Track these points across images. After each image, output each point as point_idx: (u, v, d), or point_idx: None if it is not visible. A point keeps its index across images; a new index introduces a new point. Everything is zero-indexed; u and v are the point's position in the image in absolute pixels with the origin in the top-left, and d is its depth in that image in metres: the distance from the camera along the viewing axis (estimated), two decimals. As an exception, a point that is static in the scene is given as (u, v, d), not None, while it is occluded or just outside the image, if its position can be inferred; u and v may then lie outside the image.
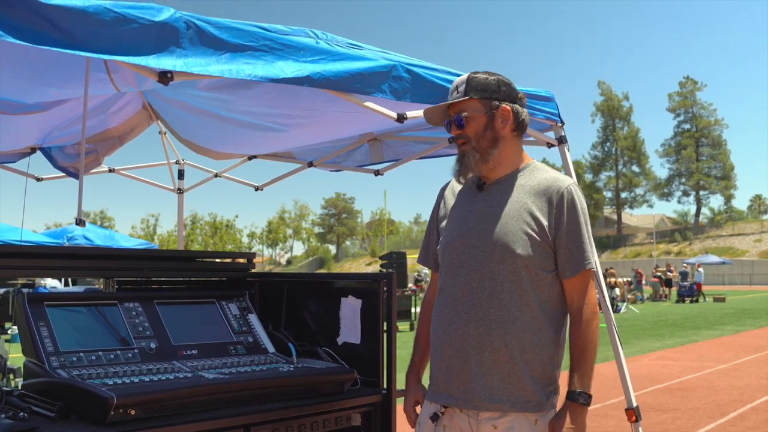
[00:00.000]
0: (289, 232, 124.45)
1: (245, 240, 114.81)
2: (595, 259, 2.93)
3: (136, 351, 3.15)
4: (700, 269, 40.21)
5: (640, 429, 3.97)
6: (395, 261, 22.54)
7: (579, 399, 2.69)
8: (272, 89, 4.05)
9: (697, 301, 36.89)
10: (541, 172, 2.88)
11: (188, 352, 3.27)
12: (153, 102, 5.03)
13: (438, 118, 2.99)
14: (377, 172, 5.57)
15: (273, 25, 3.15)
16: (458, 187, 3.02)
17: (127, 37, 2.38)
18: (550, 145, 4.18)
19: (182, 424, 2.69)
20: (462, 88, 2.85)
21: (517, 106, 2.87)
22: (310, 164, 5.70)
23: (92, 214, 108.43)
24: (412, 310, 21.61)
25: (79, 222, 3.72)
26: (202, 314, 3.53)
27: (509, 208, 2.79)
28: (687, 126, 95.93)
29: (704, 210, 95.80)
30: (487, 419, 2.74)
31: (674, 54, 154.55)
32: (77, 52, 2.27)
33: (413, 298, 22.20)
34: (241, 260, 3.96)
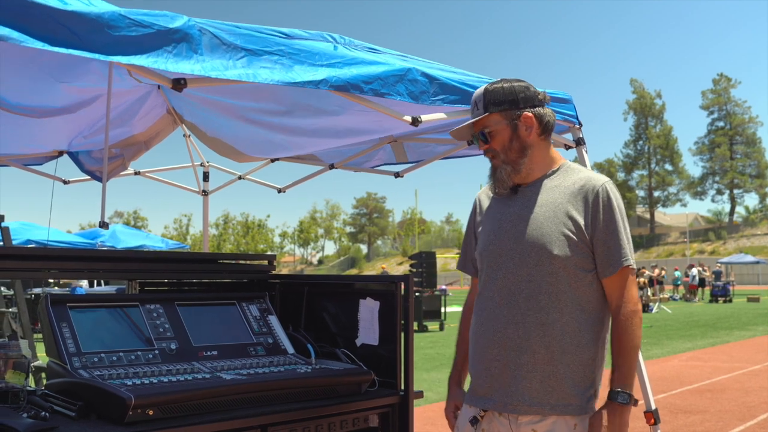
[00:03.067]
0: (321, 231, 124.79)
1: (277, 240, 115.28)
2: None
3: (156, 352, 3.20)
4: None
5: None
6: (425, 261, 22.46)
7: (618, 398, 2.67)
8: (293, 93, 4.09)
9: (730, 300, 36.48)
10: (575, 173, 2.87)
11: (208, 353, 3.32)
12: (177, 105, 5.09)
13: (465, 136, 3.00)
14: (397, 174, 5.60)
15: (292, 30, 3.19)
16: (484, 198, 3.05)
17: (145, 42, 2.42)
18: (568, 147, 4.18)
19: (200, 424, 2.73)
20: (481, 104, 2.83)
21: (539, 109, 2.84)
22: (332, 166, 5.75)
23: (126, 215, 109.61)
24: (442, 310, 21.60)
25: (103, 225, 3.78)
26: (222, 315, 3.57)
27: (545, 209, 2.79)
28: (721, 124, 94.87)
29: (739, 209, 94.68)
30: (526, 423, 2.73)
31: (707, 51, 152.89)
32: (96, 56, 2.31)
33: (443, 298, 22.15)
34: (262, 262, 4.00)
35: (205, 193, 6.51)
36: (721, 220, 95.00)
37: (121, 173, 5.89)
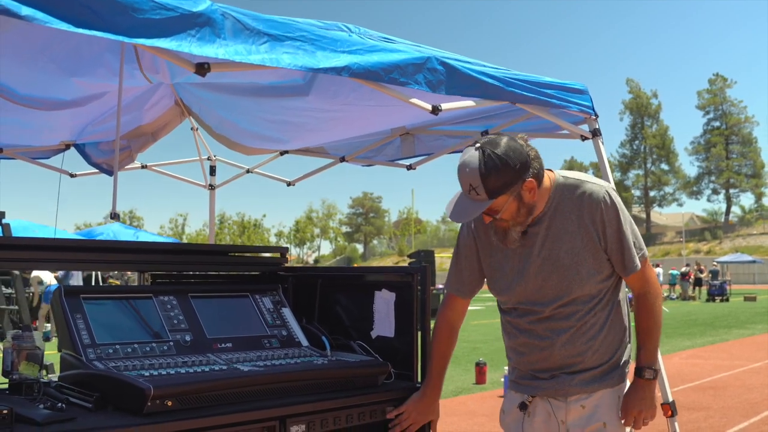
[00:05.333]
0: (317, 231, 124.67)
1: (273, 239, 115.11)
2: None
3: (171, 344, 3.16)
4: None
5: (675, 424, 3.93)
6: (423, 259, 22.51)
7: (645, 374, 2.90)
8: (306, 85, 4.05)
9: (727, 300, 36.49)
10: (571, 189, 2.87)
11: (223, 345, 3.28)
12: (185, 98, 5.05)
13: (468, 218, 2.87)
14: (410, 167, 5.55)
15: (305, 20, 3.16)
16: (482, 231, 3.06)
17: (168, 25, 2.37)
18: (584, 138, 4.15)
19: (218, 415, 2.69)
20: (481, 190, 2.68)
21: (533, 165, 2.75)
22: (342, 159, 5.71)
23: (122, 214, 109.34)
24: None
25: (114, 216, 3.74)
26: (236, 308, 3.54)
27: (559, 244, 2.86)
28: (717, 123, 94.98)
29: (734, 208, 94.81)
30: (575, 401, 2.94)
31: (703, 51, 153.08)
32: (120, 38, 2.27)
33: (442, 296, 22.09)
34: (275, 255, 3.96)
35: (212, 187, 6.46)
36: (716, 219, 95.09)
37: (128, 166, 5.85)
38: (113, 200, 3.74)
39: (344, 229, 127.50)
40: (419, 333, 3.37)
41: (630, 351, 3.06)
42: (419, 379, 3.35)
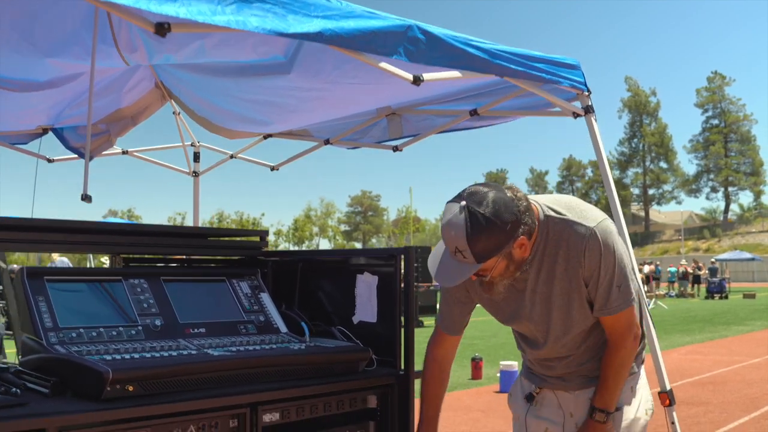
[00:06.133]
0: (315, 230, 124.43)
1: (272, 238, 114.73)
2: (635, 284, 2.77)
3: (140, 328, 3.00)
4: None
5: (674, 414, 3.77)
6: (420, 256, 22.28)
7: (595, 416, 2.74)
8: (287, 63, 3.89)
9: (726, 297, 36.37)
10: (558, 229, 2.61)
11: (195, 331, 3.11)
12: (165, 80, 4.89)
13: (455, 281, 2.61)
14: (396, 148, 5.35)
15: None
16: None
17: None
18: (576, 115, 3.97)
19: (184, 401, 2.52)
20: (468, 255, 2.44)
21: (524, 220, 2.49)
22: (327, 142, 5.51)
23: (120, 213, 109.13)
24: (438, 306, 21.42)
25: (85, 197, 3.57)
26: (211, 292, 3.37)
27: (549, 287, 2.68)
28: (715, 121, 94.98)
29: (733, 206, 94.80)
30: (583, 393, 2.84)
31: (702, 49, 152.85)
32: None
33: (439, 294, 21.96)
34: (254, 238, 3.79)
35: (195, 174, 6.28)
36: (715, 218, 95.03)
37: (108, 152, 5.69)
38: (84, 181, 3.57)
39: (343, 227, 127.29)
40: (403, 318, 3.20)
41: (645, 344, 2.95)
42: (402, 366, 3.18)
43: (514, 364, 10.48)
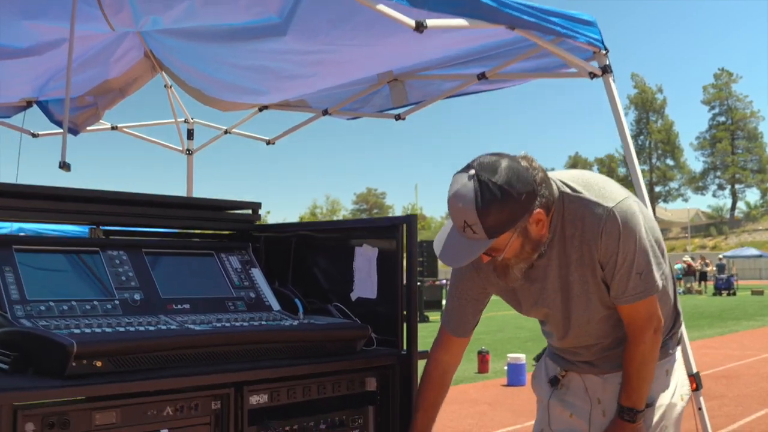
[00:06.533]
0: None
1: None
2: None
3: (116, 302, 2.72)
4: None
5: (701, 399, 3.50)
6: (425, 250, 22.05)
7: (623, 415, 2.46)
8: (282, 24, 3.63)
9: (734, 294, 36.05)
10: (573, 207, 2.32)
11: (179, 307, 2.84)
12: (155, 49, 4.61)
13: (463, 261, 2.32)
14: (398, 117, 5.04)
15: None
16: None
17: None
18: (593, 76, 3.67)
19: (157, 379, 2.25)
20: (479, 230, 2.16)
21: (541, 192, 2.23)
22: (325, 112, 5.21)
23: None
24: (444, 301, 21.17)
25: (63, 165, 3.30)
26: (197, 267, 3.10)
27: (567, 272, 2.39)
28: (722, 118, 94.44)
29: (740, 204, 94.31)
30: (612, 377, 2.55)
31: (709, 45, 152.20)
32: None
33: (444, 289, 21.70)
34: (245, 211, 3.51)
35: (189, 152, 5.98)
36: (722, 215, 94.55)
37: (96, 128, 5.42)
38: (62, 148, 3.30)
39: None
40: (405, 293, 2.92)
41: (680, 324, 2.67)
42: (404, 347, 2.90)
43: (522, 357, 10.23)
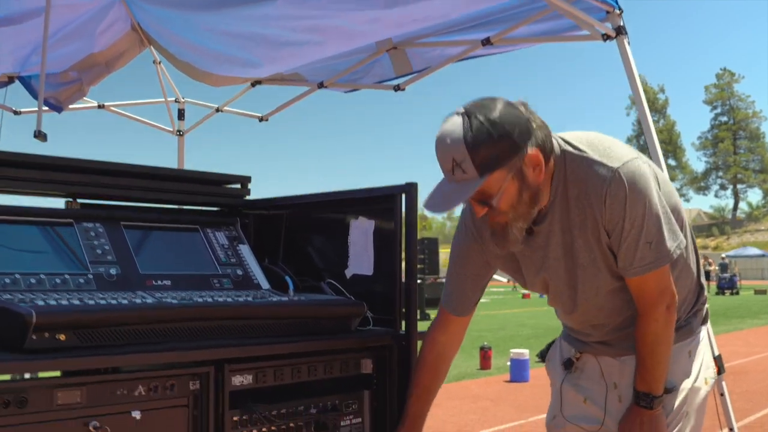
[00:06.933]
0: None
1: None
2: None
3: (90, 277, 2.49)
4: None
5: (723, 384, 3.29)
6: (427, 247, 21.92)
7: (640, 401, 2.23)
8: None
9: (737, 293, 35.87)
10: (576, 166, 2.09)
11: (159, 283, 2.60)
12: (142, 21, 4.38)
13: (451, 206, 2.10)
14: (397, 87, 4.80)
15: None
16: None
17: None
18: (606, 38, 3.44)
19: (127, 354, 2.03)
20: (468, 166, 1.95)
21: (537, 133, 2.03)
22: (321, 85, 4.98)
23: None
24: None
25: (39, 135, 3.08)
26: (180, 242, 2.87)
27: (571, 238, 2.16)
28: (724, 118, 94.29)
29: (742, 204, 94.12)
30: (630, 359, 2.29)
31: (711, 45, 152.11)
32: None
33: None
34: (234, 185, 3.28)
35: (180, 133, 5.74)
36: (724, 215, 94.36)
37: (82, 105, 5.20)
38: (38, 116, 3.08)
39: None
40: (404, 269, 2.70)
41: (705, 300, 2.42)
42: (403, 328, 2.67)
43: (525, 353, 10.02)
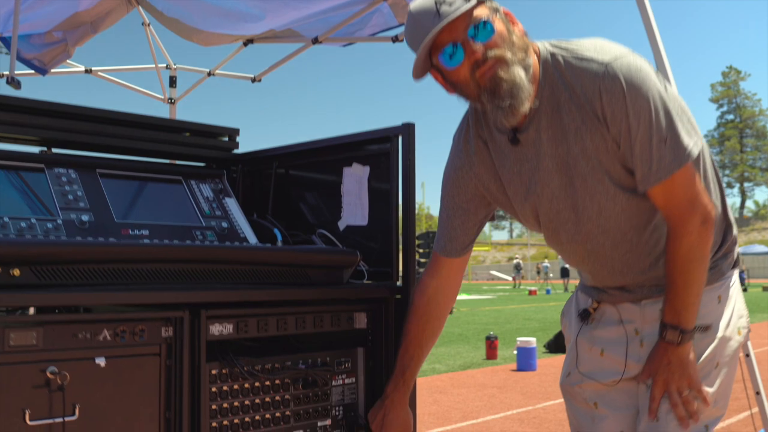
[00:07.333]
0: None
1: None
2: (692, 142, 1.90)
3: (59, 222, 2.27)
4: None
5: (749, 345, 3.08)
6: (431, 240, 21.71)
7: (666, 335, 1.97)
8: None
9: (746, 290, 35.68)
10: (564, 66, 1.91)
11: (136, 232, 2.39)
12: (130, -23, 4.18)
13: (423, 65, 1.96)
14: (395, 38, 4.58)
15: None
16: (478, 146, 2.14)
17: None
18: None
19: (87, 292, 1.82)
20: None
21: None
22: (315, 40, 4.75)
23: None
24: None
25: (11, 82, 2.87)
26: (161, 193, 2.66)
27: (565, 147, 1.94)
28: (730, 117, 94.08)
29: (748, 202, 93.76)
30: (652, 303, 2.09)
31: (717, 43, 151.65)
32: None
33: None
34: (221, 138, 3.07)
35: (171, 101, 5.52)
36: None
37: (68, 69, 4.99)
38: (11, 63, 2.87)
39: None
40: (401, 217, 2.49)
41: (735, 241, 2.17)
42: (400, 279, 2.46)
43: (533, 341, 9.82)
